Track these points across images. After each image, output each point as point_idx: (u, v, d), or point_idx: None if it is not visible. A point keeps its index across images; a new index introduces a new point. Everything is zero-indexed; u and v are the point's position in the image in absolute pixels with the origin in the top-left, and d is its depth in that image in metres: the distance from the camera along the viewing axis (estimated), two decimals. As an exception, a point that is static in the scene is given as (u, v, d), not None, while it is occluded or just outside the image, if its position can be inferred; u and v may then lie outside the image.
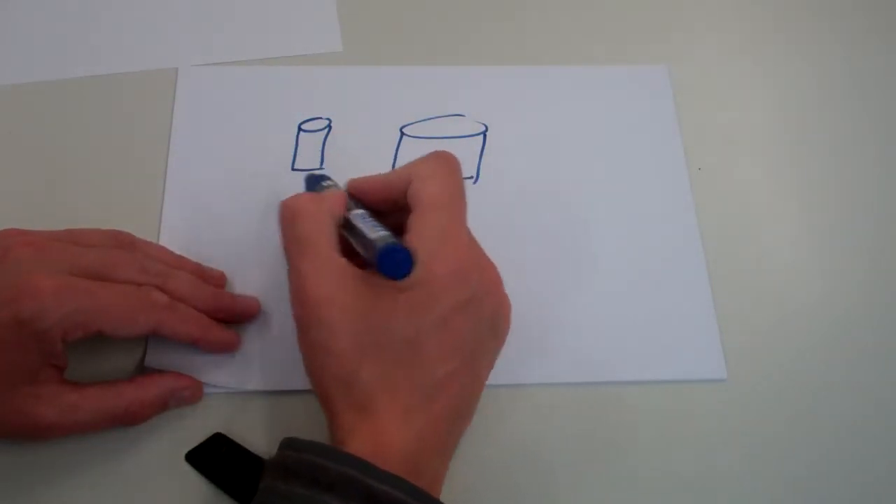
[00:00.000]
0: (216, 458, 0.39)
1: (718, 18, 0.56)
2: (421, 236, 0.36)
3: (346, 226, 0.38)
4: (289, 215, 0.38)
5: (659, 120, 0.51)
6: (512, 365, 0.43)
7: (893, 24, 0.57)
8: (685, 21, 0.56)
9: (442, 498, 0.35)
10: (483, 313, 0.36)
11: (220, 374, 0.42)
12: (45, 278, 0.35)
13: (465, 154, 0.49)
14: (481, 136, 0.50)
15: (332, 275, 0.36)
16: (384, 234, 0.36)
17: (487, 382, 0.41)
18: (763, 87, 0.54)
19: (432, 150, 0.49)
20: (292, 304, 0.37)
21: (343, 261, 0.36)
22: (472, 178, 0.49)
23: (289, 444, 0.34)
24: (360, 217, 0.38)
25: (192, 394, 0.41)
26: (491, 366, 0.39)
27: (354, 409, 0.35)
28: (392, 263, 0.34)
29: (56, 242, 0.38)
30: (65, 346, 0.36)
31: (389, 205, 0.40)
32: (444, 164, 0.39)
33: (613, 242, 0.47)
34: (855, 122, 0.53)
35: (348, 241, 0.38)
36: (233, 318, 0.42)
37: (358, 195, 0.41)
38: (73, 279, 0.36)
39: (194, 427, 0.40)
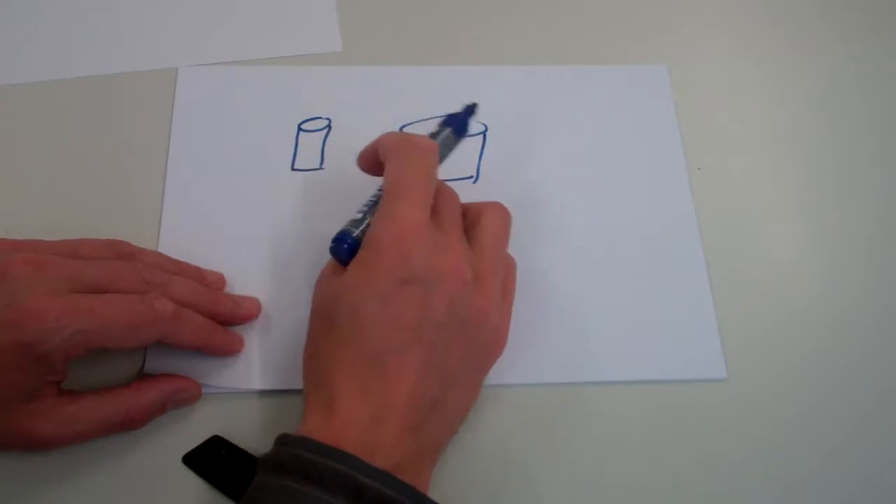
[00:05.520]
0: (214, 460, 0.39)
1: (718, 18, 0.56)
2: (375, 222, 0.38)
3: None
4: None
5: (659, 120, 0.51)
6: (511, 365, 0.43)
7: (894, 24, 0.57)
8: (685, 21, 0.56)
9: (442, 500, 0.35)
10: (434, 297, 0.36)
11: (220, 376, 0.42)
12: (46, 300, 0.35)
13: (465, 154, 0.49)
14: (481, 136, 0.50)
15: (329, 265, 0.39)
16: (356, 217, 0.39)
17: (487, 383, 0.41)
18: (763, 87, 0.54)
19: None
20: None
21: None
22: (471, 177, 0.49)
23: (282, 440, 0.35)
24: (374, 193, 0.40)
25: (190, 395, 0.41)
26: (468, 361, 0.38)
27: (316, 385, 0.37)
28: (336, 249, 0.38)
29: (54, 257, 0.37)
30: (66, 365, 0.36)
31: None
32: (413, 150, 0.40)
33: (613, 242, 0.47)
34: (855, 121, 0.53)
35: None
36: (234, 321, 0.42)
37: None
38: (74, 298, 0.36)
39: (194, 427, 0.40)
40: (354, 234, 0.38)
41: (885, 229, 0.49)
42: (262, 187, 0.47)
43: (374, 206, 0.39)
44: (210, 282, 0.43)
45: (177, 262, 0.43)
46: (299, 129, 0.50)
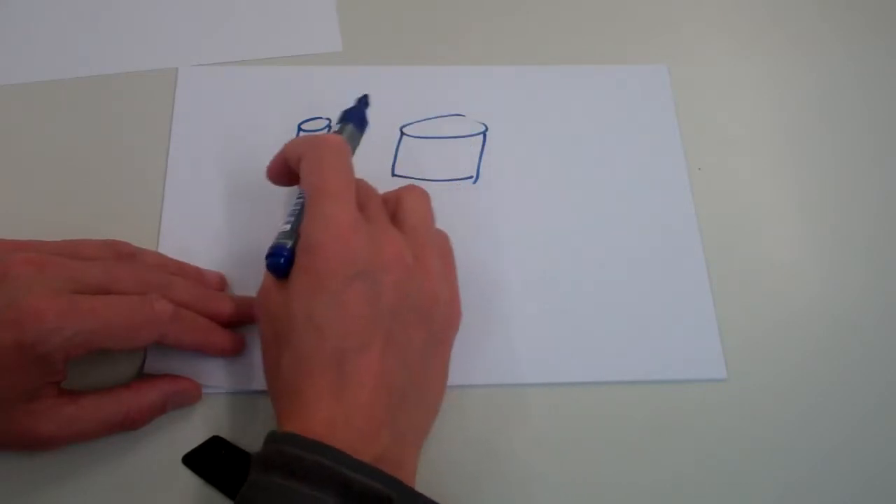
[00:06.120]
0: (214, 460, 0.39)
1: (718, 18, 0.56)
2: (306, 226, 0.37)
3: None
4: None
5: (659, 120, 0.51)
6: (510, 365, 0.43)
7: (894, 24, 0.57)
8: (685, 21, 0.56)
9: (440, 499, 0.35)
10: (384, 287, 0.36)
11: (220, 376, 0.41)
12: (47, 300, 0.35)
13: (466, 154, 0.49)
14: (481, 136, 0.50)
15: (269, 278, 0.39)
16: (284, 230, 0.39)
17: (485, 382, 0.41)
18: (763, 87, 0.54)
19: (432, 150, 0.48)
20: None
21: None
22: (472, 178, 0.49)
23: (270, 438, 0.35)
24: (295, 202, 0.40)
25: (190, 396, 0.41)
26: (429, 342, 0.38)
27: (285, 396, 0.36)
28: (274, 264, 0.38)
29: (55, 258, 0.37)
30: (66, 365, 0.36)
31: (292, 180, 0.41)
32: (325, 148, 0.39)
33: (613, 242, 0.47)
34: (855, 122, 0.53)
35: None
36: (234, 322, 0.42)
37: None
38: (75, 298, 0.35)
39: (194, 428, 0.40)
40: (289, 246, 0.38)
41: (885, 229, 0.49)
42: (263, 187, 0.47)
43: (300, 213, 0.39)
44: (210, 282, 0.43)
45: (177, 262, 0.43)
46: (299, 129, 0.50)
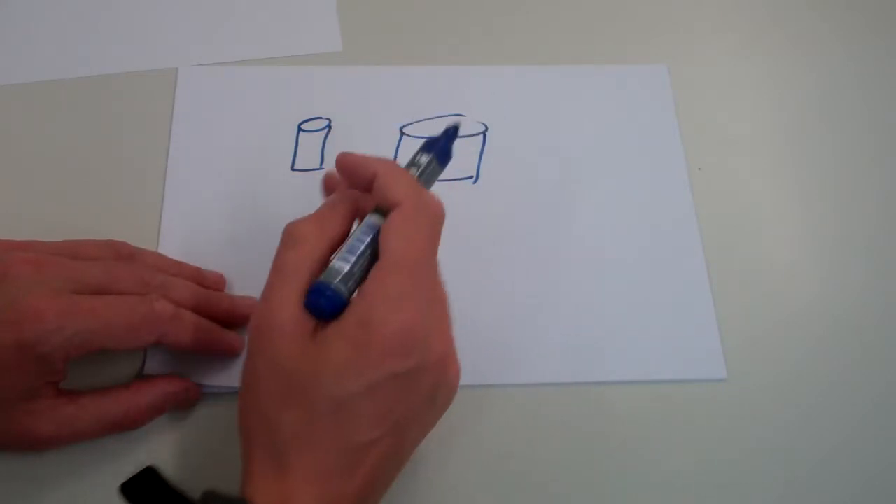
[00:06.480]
0: (148, 492, 0.36)
1: (718, 18, 0.56)
2: (376, 295, 0.33)
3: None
4: (285, 240, 0.36)
5: (659, 120, 0.51)
6: (511, 365, 0.43)
7: (894, 24, 0.57)
8: (685, 21, 0.56)
9: (442, 499, 0.35)
10: (421, 386, 0.34)
11: (220, 376, 0.41)
12: (47, 300, 0.35)
13: (465, 154, 0.49)
14: (481, 136, 0.50)
15: (289, 311, 0.34)
16: (336, 267, 0.34)
17: (487, 382, 0.41)
18: (763, 87, 0.54)
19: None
20: (248, 328, 0.36)
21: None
22: (472, 177, 0.49)
23: (209, 499, 0.33)
24: (353, 235, 0.36)
25: (189, 396, 0.41)
26: (423, 434, 0.37)
27: (270, 455, 0.33)
28: (315, 304, 0.34)
29: (55, 258, 0.37)
30: (66, 365, 0.36)
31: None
32: (427, 215, 0.36)
33: (613, 242, 0.47)
34: (855, 121, 0.53)
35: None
36: (233, 322, 0.42)
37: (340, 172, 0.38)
38: (75, 299, 0.35)
39: (193, 428, 0.40)
40: (344, 293, 0.34)
41: (885, 229, 0.49)
42: (262, 187, 0.47)
43: (364, 253, 0.35)
44: (210, 282, 0.43)
45: (176, 262, 0.43)
46: (299, 129, 0.50)
